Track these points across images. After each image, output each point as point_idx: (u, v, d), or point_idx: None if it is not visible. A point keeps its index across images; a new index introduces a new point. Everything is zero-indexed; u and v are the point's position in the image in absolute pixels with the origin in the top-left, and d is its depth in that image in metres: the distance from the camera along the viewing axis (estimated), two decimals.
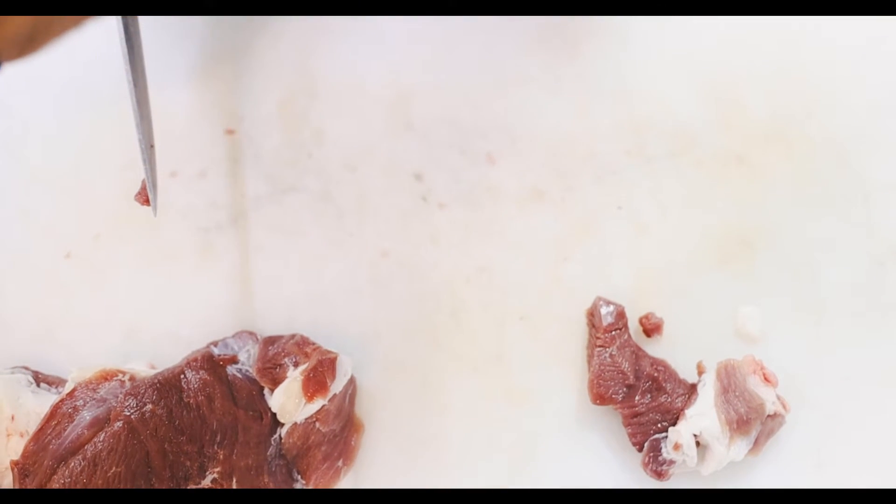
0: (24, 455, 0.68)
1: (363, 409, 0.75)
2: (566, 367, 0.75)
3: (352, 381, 0.73)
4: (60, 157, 0.79)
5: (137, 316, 0.76)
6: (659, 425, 0.71)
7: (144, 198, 0.73)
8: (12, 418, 0.70)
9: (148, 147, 0.72)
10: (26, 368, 0.73)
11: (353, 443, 0.73)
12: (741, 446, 0.69)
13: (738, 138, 0.79)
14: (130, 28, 0.69)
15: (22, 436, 0.70)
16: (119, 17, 0.67)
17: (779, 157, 0.79)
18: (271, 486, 0.69)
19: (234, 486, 0.69)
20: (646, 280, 0.77)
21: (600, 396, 0.71)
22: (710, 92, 0.80)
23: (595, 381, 0.72)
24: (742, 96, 0.80)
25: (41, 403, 0.71)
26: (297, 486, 0.71)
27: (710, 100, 0.80)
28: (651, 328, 0.75)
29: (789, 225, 0.78)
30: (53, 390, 0.73)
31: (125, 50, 0.68)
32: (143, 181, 0.73)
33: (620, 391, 0.71)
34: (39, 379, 0.73)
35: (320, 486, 0.71)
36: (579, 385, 0.74)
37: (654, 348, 0.75)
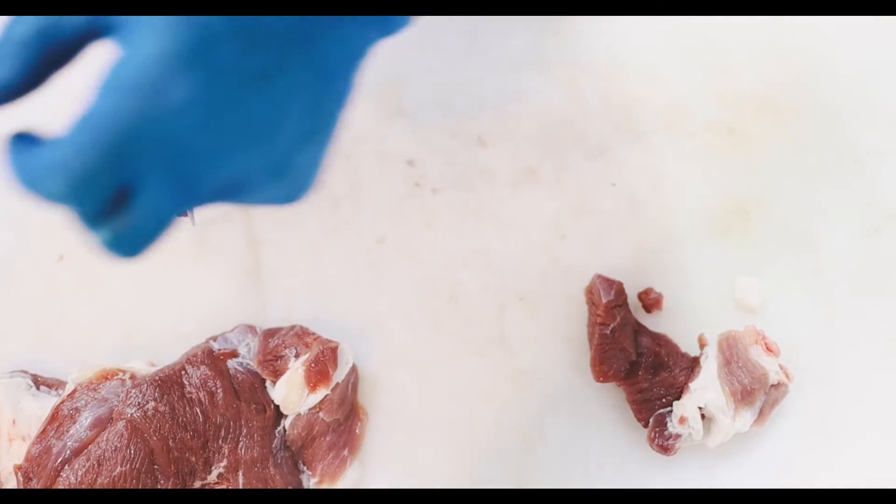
0: (28, 459, 0.67)
1: (366, 397, 0.74)
2: (568, 346, 0.75)
3: (354, 370, 0.72)
4: None
5: (135, 314, 0.76)
6: (663, 400, 0.71)
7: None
8: (13, 422, 0.70)
9: None
10: (25, 372, 0.73)
11: (357, 431, 0.73)
12: (746, 417, 0.69)
13: (729, 109, 0.79)
14: None
15: (24, 439, 0.69)
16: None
17: (771, 127, 0.79)
18: (277, 478, 0.69)
19: (241, 480, 0.68)
20: (643, 255, 0.77)
21: (603, 374, 0.71)
22: (698, 63, 0.80)
23: (597, 359, 0.71)
24: (731, 66, 0.80)
25: (42, 406, 0.70)
26: (304, 477, 0.71)
27: (699, 71, 0.80)
28: (650, 303, 0.75)
29: (784, 194, 0.78)
30: (53, 393, 0.72)
31: None
32: None
33: (623, 368, 0.71)
34: (39, 382, 0.73)
35: (326, 476, 0.71)
36: (582, 363, 0.74)
37: (655, 323, 0.75)
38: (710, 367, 0.70)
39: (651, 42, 0.81)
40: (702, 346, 0.73)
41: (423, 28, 0.81)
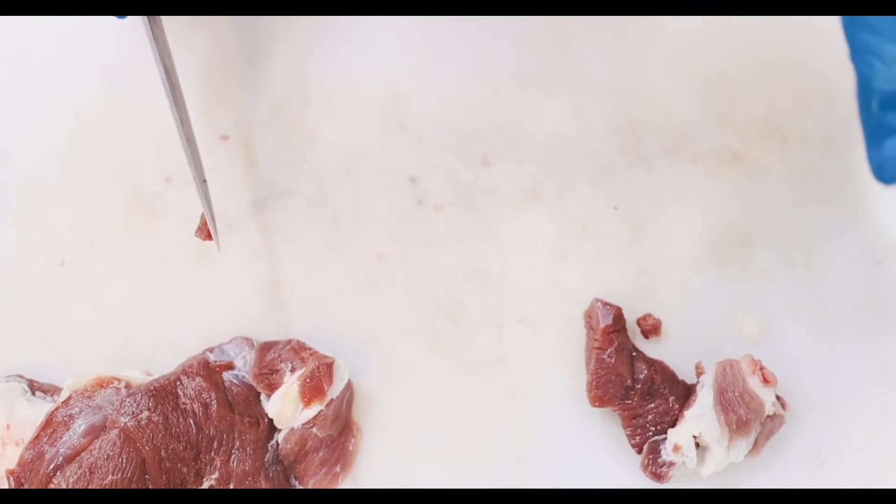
0: (20, 464, 0.68)
1: (361, 413, 0.74)
2: (565, 369, 0.75)
3: (349, 386, 0.72)
4: (52, 167, 0.79)
5: (133, 323, 0.76)
6: (658, 427, 0.71)
7: (206, 233, 0.73)
8: (7, 427, 0.70)
9: (201, 182, 0.72)
10: (21, 377, 0.73)
11: (350, 448, 0.73)
12: (741, 447, 0.69)
13: (734, 135, 0.79)
14: (167, 64, 0.70)
15: (17, 444, 0.70)
16: (153, 50, 0.69)
17: (775, 154, 0.79)
18: None
19: None
20: (643, 280, 0.76)
21: (598, 399, 0.71)
22: (704, 89, 0.80)
23: (593, 384, 0.71)
24: (737, 92, 0.80)
25: (36, 412, 0.70)
26: None
27: (705, 97, 0.80)
28: (649, 329, 0.74)
29: (787, 222, 0.77)
30: (49, 399, 0.72)
31: (167, 88, 0.70)
32: (203, 216, 0.73)
33: (619, 393, 0.71)
34: (34, 387, 0.73)
35: None
36: (578, 386, 0.74)
37: (653, 349, 0.74)
38: (706, 396, 0.70)
39: (658, 66, 0.81)
40: (699, 373, 0.72)
41: (430, 44, 0.82)
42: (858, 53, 0.57)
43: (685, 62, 0.81)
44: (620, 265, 0.77)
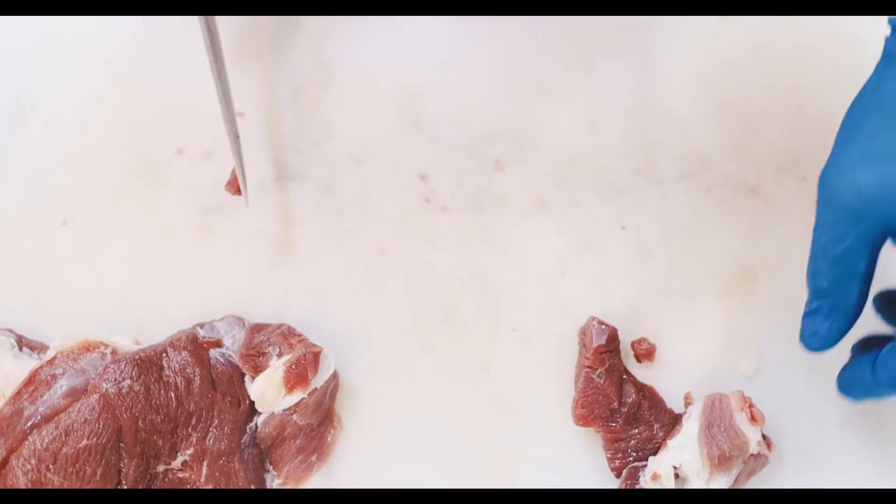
0: None
1: (343, 405, 0.73)
2: (553, 384, 0.74)
3: (335, 377, 0.72)
4: (66, 127, 0.79)
5: (127, 290, 0.76)
6: (639, 453, 0.70)
7: (235, 188, 0.74)
8: None
9: (234, 137, 0.72)
10: (10, 331, 0.73)
11: (329, 439, 0.72)
12: (720, 483, 0.68)
13: (751, 167, 0.78)
14: (212, 28, 0.70)
15: None
16: (202, 19, 0.69)
17: (791, 190, 0.78)
18: (241, 473, 0.69)
19: (204, 470, 0.68)
20: (643, 303, 0.75)
21: (583, 418, 0.70)
22: (724, 116, 0.79)
23: (579, 402, 0.70)
24: (758, 124, 0.79)
25: (21, 368, 0.70)
26: (268, 476, 0.71)
27: (724, 124, 0.79)
28: (642, 353, 0.73)
29: (794, 260, 0.76)
30: (35, 356, 0.72)
31: (209, 47, 0.70)
32: (233, 171, 0.73)
33: (604, 414, 0.70)
34: (23, 343, 0.73)
35: (291, 479, 0.70)
36: (564, 403, 0.73)
37: (645, 374, 0.73)
38: (691, 427, 0.69)
39: (680, 89, 0.80)
40: (687, 404, 0.71)
41: (454, 45, 0.81)
42: None
43: (708, 87, 0.80)
44: (622, 285, 0.76)
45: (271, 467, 0.71)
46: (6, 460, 0.66)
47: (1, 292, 0.76)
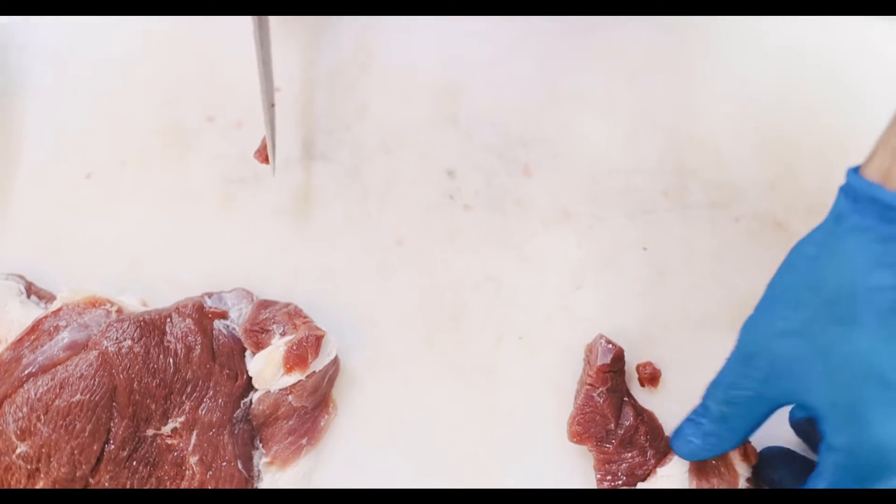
0: None
1: (341, 392, 0.73)
2: (553, 397, 0.73)
3: (335, 363, 0.72)
4: (101, 81, 0.79)
5: (142, 250, 0.76)
6: (629, 478, 0.69)
7: (264, 156, 0.74)
8: None
9: (269, 106, 0.72)
10: (21, 277, 0.73)
11: (321, 423, 0.72)
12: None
13: (780, 203, 0.76)
14: None
15: (0, 342, 0.70)
16: None
17: None
18: (230, 447, 0.68)
19: (193, 440, 0.68)
20: (654, 327, 0.74)
21: (577, 435, 0.69)
22: (764, 152, 0.78)
23: (576, 419, 0.69)
24: (796, 164, 0.77)
25: (26, 315, 0.71)
26: (256, 454, 0.70)
27: (760, 157, 0.77)
28: (647, 378, 0.72)
29: None
30: (41, 305, 0.73)
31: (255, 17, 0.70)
32: (264, 139, 0.73)
33: (599, 434, 0.69)
34: (31, 291, 0.73)
35: (279, 459, 0.70)
36: (561, 417, 0.72)
37: (648, 398, 0.72)
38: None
39: (720, 115, 0.78)
40: None
41: (497, 44, 0.80)
42: None
43: (749, 119, 0.78)
44: (635, 306, 0.75)
45: (261, 445, 0.71)
46: None
47: (18, 237, 0.76)
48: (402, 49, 0.80)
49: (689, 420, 0.64)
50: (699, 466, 0.67)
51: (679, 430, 0.64)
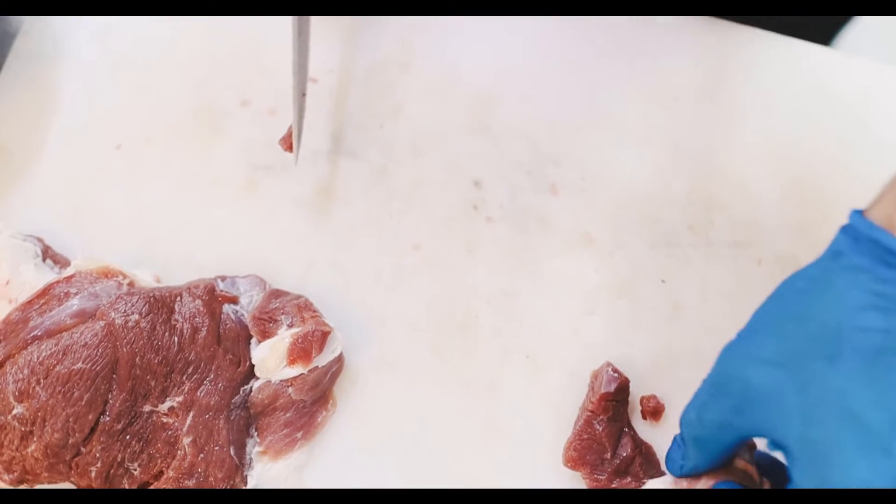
0: (5, 321, 0.69)
1: (343, 389, 0.73)
2: (553, 420, 0.72)
3: (339, 360, 0.71)
4: (141, 54, 0.80)
5: (161, 227, 0.76)
6: None
7: (288, 144, 0.74)
8: (7, 282, 0.71)
9: (300, 95, 0.72)
10: (39, 240, 0.74)
11: (319, 419, 0.71)
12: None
13: (807, 248, 0.75)
14: None
15: (10, 302, 0.71)
16: None
17: None
18: (224, 432, 0.68)
19: (189, 421, 0.68)
20: (663, 360, 0.73)
21: (572, 460, 0.69)
22: (796, 195, 0.76)
23: (573, 444, 0.69)
24: (828, 210, 0.76)
25: (40, 278, 0.71)
26: (250, 442, 0.70)
27: (793, 203, 0.76)
28: (649, 411, 0.71)
29: None
30: (56, 269, 0.73)
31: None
32: (290, 127, 0.73)
33: (594, 462, 0.68)
34: (48, 254, 0.73)
35: (272, 450, 0.70)
36: (559, 441, 0.71)
37: (650, 431, 0.71)
38: None
39: (755, 156, 0.77)
40: None
41: (539, 58, 0.80)
42: None
43: (784, 161, 0.77)
44: (647, 338, 0.74)
45: (256, 434, 0.71)
46: (1, 364, 0.67)
47: (42, 200, 0.77)
48: (443, 52, 0.80)
49: (674, 440, 0.63)
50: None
51: (669, 453, 0.63)
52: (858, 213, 0.55)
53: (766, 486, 0.61)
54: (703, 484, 0.60)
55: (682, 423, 0.61)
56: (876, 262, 0.51)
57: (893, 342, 0.50)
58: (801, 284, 0.56)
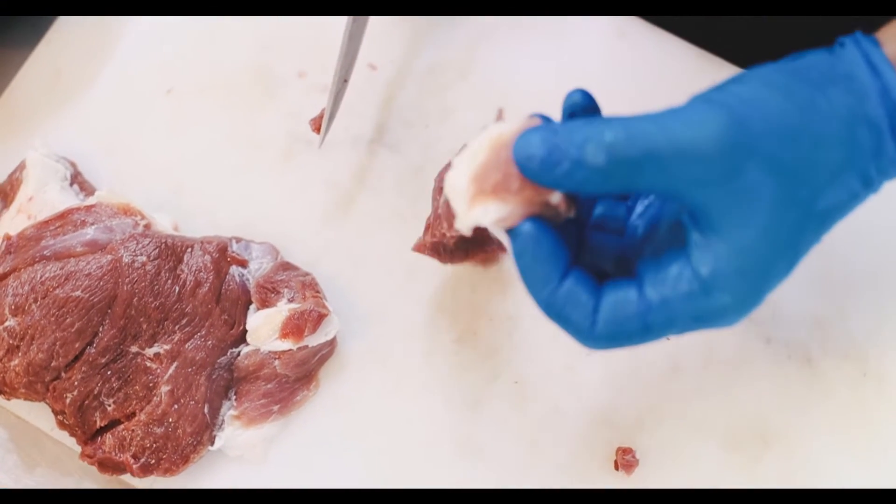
0: (20, 235, 0.70)
1: (329, 374, 0.73)
2: (528, 450, 0.72)
3: (331, 344, 0.72)
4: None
5: (191, 178, 0.77)
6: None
7: (317, 125, 0.74)
8: (30, 199, 0.72)
9: (341, 81, 0.73)
10: (72, 164, 0.75)
11: (298, 397, 0.72)
12: (490, 212, 0.53)
13: (817, 338, 0.73)
14: None
15: (29, 217, 0.72)
16: None
17: (847, 379, 0.73)
18: (202, 389, 0.69)
19: (171, 371, 0.68)
20: (649, 417, 0.72)
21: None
22: (817, 287, 0.74)
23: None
24: (848, 308, 0.74)
25: (63, 200, 0.72)
26: (226, 404, 0.71)
27: (814, 295, 0.74)
28: (623, 464, 0.70)
29: (814, 447, 0.71)
30: (80, 196, 0.74)
31: None
32: (323, 109, 0.74)
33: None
34: (76, 179, 0.75)
35: (245, 416, 0.70)
36: (526, 474, 0.71)
37: (619, 482, 0.71)
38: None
39: None
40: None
41: (593, 85, 0.79)
42: None
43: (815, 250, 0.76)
44: (638, 390, 0.73)
45: (234, 397, 0.71)
46: (6, 275, 0.68)
47: (84, 126, 0.79)
48: (506, 65, 0.79)
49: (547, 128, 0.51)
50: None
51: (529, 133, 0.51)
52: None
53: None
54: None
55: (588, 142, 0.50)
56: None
57: None
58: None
